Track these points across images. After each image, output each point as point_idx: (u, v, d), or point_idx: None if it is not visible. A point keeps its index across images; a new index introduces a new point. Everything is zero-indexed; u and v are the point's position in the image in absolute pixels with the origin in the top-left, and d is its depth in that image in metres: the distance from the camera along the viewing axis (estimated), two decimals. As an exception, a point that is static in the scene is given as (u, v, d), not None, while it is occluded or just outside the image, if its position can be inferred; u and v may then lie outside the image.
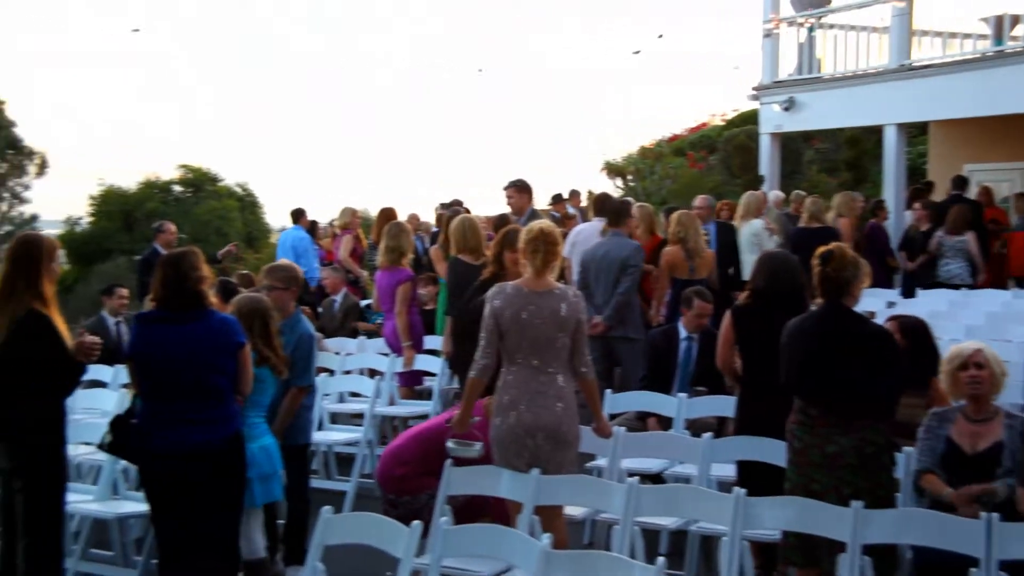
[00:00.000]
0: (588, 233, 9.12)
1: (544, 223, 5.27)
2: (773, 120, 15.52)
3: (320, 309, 10.47)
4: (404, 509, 5.61)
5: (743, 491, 4.65)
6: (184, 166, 24.74)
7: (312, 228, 13.22)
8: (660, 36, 29.42)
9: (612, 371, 8.01)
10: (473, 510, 5.44)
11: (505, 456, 5.04)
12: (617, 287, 7.86)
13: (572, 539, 5.45)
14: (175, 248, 9.95)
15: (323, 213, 14.29)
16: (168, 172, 24.74)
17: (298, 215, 13.18)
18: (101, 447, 4.92)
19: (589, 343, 5.09)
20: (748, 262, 9.45)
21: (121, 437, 4.78)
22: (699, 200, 10.58)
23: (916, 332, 5.61)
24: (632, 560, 4.19)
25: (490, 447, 5.13)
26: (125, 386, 7.73)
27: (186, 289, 4.68)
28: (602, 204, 9.60)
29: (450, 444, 5.18)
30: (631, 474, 5.57)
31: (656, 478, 6.17)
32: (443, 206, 12.89)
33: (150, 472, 4.78)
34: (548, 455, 4.97)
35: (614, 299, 7.85)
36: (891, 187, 13.88)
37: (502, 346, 5.03)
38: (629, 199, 11.28)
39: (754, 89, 16.06)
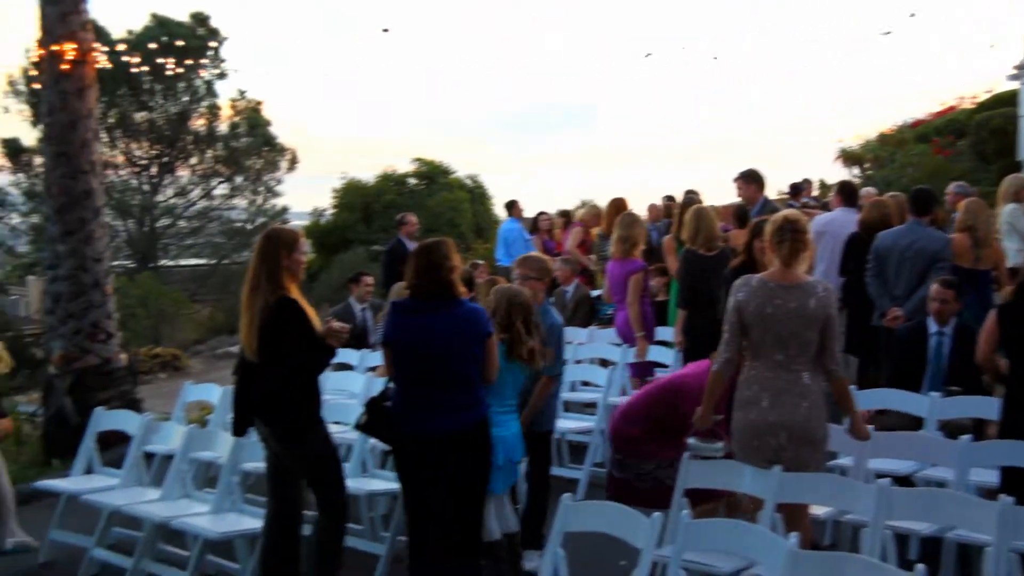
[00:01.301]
0: (840, 223, 8.72)
1: (791, 212, 5.07)
2: (1037, 101, 14.39)
3: (551, 299, 10.60)
4: (630, 473, 5.56)
5: (1011, 499, 4.32)
6: (418, 159, 25.62)
7: (535, 220, 13.44)
8: (912, 15, 27.28)
9: None
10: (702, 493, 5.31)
11: (745, 452, 4.91)
12: (925, 280, 7.39)
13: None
14: (417, 238, 10.30)
15: (546, 204, 14.53)
16: (404, 165, 25.70)
17: (511, 207, 13.46)
18: (357, 427, 5.17)
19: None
20: (1007, 250, 8.82)
21: (375, 419, 4.98)
22: (951, 186, 9.92)
23: None
24: (886, 564, 3.98)
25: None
26: (371, 369, 8.16)
27: (439, 278, 4.84)
28: (849, 193, 9.20)
29: (691, 441, 5.09)
30: (878, 475, 5.30)
31: (905, 480, 5.84)
32: (666, 198, 12.76)
33: (402, 454, 4.99)
34: (792, 454, 4.79)
35: (921, 292, 7.34)
36: None
37: (746, 340, 4.88)
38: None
39: (1015, 68, 14.94)
